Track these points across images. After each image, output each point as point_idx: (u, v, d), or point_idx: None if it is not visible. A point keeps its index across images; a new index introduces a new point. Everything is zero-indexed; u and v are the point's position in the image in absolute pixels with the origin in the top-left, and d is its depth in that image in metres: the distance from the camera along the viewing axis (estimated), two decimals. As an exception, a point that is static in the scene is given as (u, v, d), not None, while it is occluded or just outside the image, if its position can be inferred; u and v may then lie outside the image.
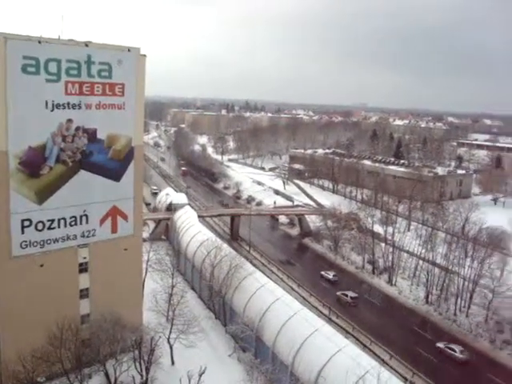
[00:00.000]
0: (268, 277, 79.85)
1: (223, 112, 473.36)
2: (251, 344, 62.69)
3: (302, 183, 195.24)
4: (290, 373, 54.31)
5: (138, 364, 52.06)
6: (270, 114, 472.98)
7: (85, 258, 55.53)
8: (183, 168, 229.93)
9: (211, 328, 70.70)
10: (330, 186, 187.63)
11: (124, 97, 54.37)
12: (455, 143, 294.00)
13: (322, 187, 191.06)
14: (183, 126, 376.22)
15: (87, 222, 54.84)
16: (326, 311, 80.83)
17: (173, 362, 59.28)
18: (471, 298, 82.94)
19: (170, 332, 59.26)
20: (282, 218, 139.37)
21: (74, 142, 51.53)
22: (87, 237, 55.25)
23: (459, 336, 76.16)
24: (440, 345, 71.43)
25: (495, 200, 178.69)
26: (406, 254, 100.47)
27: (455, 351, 69.64)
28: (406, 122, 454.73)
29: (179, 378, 50.67)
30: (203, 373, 49.88)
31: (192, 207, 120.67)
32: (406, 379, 58.48)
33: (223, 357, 63.09)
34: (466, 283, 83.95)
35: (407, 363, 65.28)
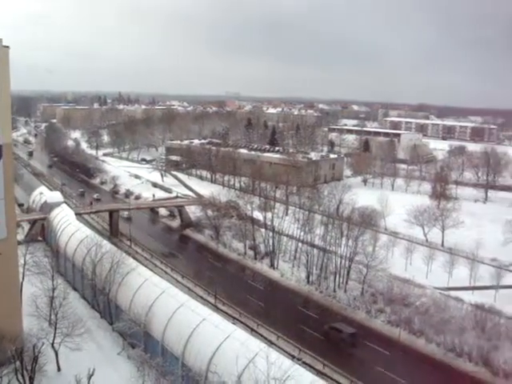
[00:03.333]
0: (152, 270, 79.37)
1: (96, 105, 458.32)
2: (140, 340, 61.90)
3: (180, 174, 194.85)
4: (182, 364, 54.52)
5: (20, 375, 49.56)
6: (144, 106, 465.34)
7: (-46, 266, 51.93)
8: (30, 149, 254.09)
9: (97, 327, 69.12)
10: (208, 176, 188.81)
11: (-13, 93, 51.25)
12: (326, 129, 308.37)
13: (201, 177, 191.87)
14: (54, 121, 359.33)
15: (-46, 229, 51.25)
16: (212, 299, 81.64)
17: (59, 368, 57.15)
18: (348, 274, 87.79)
19: (54, 337, 57.01)
20: (162, 211, 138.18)
21: None
22: (-45, 244, 51.67)
23: (340, 310, 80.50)
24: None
25: (365, 181, 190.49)
26: (285, 238, 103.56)
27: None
28: (280, 110, 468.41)
29: (67, 383, 49.01)
30: (92, 375, 48.54)
31: (68, 205, 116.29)
32: (293, 357, 60.64)
33: (112, 356, 61.97)
34: (343, 261, 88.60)
35: (294, 341, 68.02)
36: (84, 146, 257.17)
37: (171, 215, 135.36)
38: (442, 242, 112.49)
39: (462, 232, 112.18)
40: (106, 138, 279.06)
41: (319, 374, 58.17)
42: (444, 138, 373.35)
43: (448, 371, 63.91)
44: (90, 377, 48.16)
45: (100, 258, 72.05)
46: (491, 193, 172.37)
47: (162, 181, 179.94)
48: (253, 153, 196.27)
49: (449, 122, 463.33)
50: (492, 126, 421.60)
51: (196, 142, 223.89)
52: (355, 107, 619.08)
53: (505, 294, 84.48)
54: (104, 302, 71.62)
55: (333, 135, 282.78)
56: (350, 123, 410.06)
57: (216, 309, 75.22)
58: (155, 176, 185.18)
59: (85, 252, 76.68)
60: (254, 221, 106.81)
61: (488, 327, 70.42)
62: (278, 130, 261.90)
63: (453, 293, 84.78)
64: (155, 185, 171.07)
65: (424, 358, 67.22)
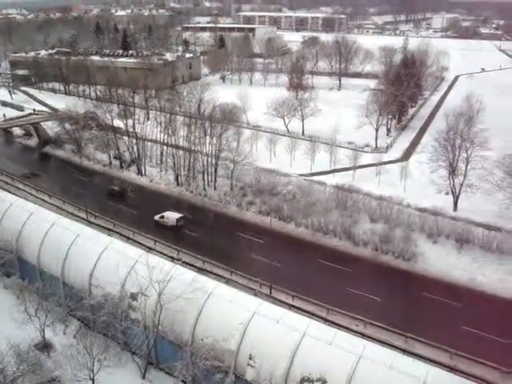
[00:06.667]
0: (15, 194, 76.03)
1: None
2: (14, 267, 59.93)
3: (30, 90, 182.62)
4: (63, 283, 53.95)
5: None
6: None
7: None
8: None
9: (-36, 263, 65.52)
10: (62, 88, 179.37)
11: None
12: (180, 28, 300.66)
13: (53, 90, 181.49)
14: None
15: None
16: (83, 215, 79.88)
17: None
18: (216, 171, 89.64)
19: None
20: (17, 130, 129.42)
21: None
22: None
23: (211, 207, 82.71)
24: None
25: (223, 78, 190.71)
26: (149, 143, 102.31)
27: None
28: (129, 11, 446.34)
29: None
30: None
31: None
32: (173, 258, 61.97)
33: (-14, 289, 59.58)
34: (210, 159, 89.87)
35: (170, 243, 69.70)
36: None
37: (27, 134, 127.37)
38: (303, 130, 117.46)
39: (320, 120, 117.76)
40: None
41: (200, 270, 60.58)
42: (297, 30, 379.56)
43: (315, 248, 69.59)
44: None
45: (-47, 190, 67.14)
46: (344, 80, 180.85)
47: (12, 98, 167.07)
48: (106, 59, 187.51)
49: (301, 14, 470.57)
50: (342, 16, 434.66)
51: (43, 52, 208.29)
52: (207, 4, 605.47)
53: (361, 172, 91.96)
54: (-34, 235, 67.74)
55: (187, 34, 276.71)
56: (203, 20, 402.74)
57: (89, 223, 73.98)
58: (3, 94, 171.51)
59: None
60: (115, 129, 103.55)
61: (348, 204, 76.72)
62: (129, 32, 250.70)
63: (316, 177, 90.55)
64: (4, 103, 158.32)
65: (294, 240, 72.41)
